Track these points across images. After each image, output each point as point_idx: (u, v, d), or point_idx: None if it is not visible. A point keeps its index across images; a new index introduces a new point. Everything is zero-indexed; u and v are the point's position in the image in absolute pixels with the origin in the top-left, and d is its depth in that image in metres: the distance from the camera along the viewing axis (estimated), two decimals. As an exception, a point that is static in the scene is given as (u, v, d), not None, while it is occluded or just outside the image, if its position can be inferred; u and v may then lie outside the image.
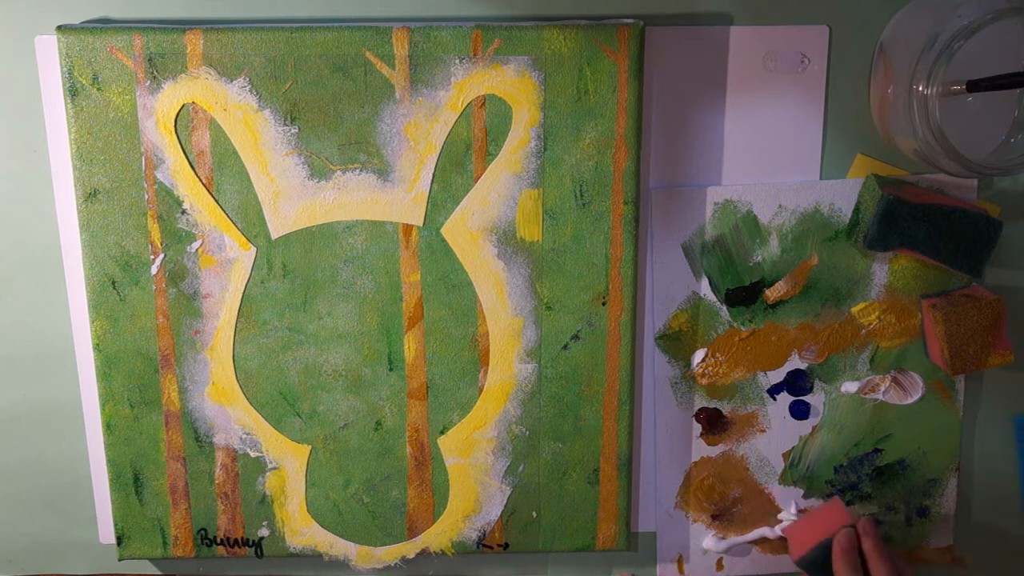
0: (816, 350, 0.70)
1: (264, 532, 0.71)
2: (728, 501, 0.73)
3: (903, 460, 0.72)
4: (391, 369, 0.68)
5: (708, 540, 0.74)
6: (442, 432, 0.70)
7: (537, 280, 0.67)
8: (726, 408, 0.72)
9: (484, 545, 0.72)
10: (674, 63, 0.66)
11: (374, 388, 0.69)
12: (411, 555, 0.72)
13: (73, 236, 0.67)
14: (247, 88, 0.63)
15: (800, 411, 0.72)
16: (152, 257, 0.66)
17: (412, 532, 0.72)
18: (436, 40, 0.63)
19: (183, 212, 0.65)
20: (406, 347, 0.68)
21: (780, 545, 0.74)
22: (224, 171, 0.65)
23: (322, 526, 0.71)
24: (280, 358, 0.68)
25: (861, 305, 0.70)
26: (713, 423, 0.72)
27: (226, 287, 0.67)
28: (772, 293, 0.69)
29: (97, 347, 0.67)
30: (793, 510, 0.73)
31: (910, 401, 0.71)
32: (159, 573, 0.74)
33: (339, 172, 0.65)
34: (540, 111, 0.64)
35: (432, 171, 0.65)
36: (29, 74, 0.65)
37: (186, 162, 0.65)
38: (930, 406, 0.72)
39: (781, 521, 0.73)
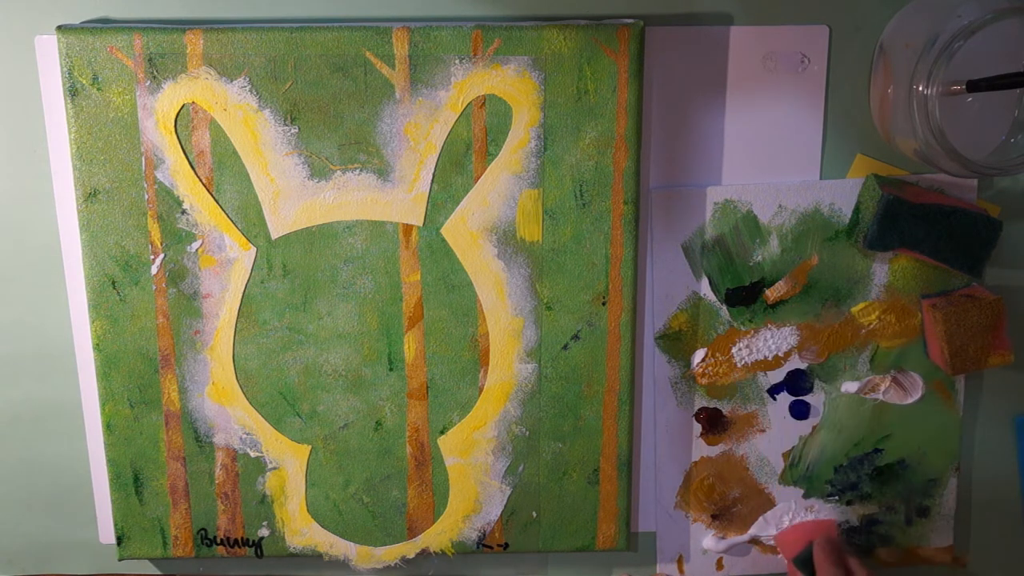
0: (816, 350, 0.70)
1: (264, 532, 0.71)
2: (728, 501, 0.73)
3: (903, 460, 0.72)
4: (391, 369, 0.69)
5: (708, 540, 0.74)
6: (442, 432, 0.70)
7: (537, 280, 0.67)
8: (726, 408, 0.72)
9: (484, 545, 0.72)
10: (674, 63, 0.66)
11: (374, 388, 0.69)
12: (411, 555, 0.72)
13: (73, 236, 0.67)
14: (247, 88, 0.63)
15: (800, 411, 0.72)
16: (152, 257, 0.66)
17: (412, 532, 0.72)
18: (436, 40, 0.63)
19: (183, 212, 0.65)
20: (406, 347, 0.68)
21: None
22: (224, 171, 0.65)
23: (322, 526, 0.71)
24: (280, 358, 0.68)
25: (861, 305, 0.70)
26: (713, 423, 0.72)
27: (226, 287, 0.67)
28: (772, 293, 0.69)
29: (97, 347, 0.67)
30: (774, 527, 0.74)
31: (910, 401, 0.71)
32: (159, 573, 0.74)
33: (339, 172, 0.65)
34: (540, 111, 0.64)
35: (432, 171, 0.65)
36: (29, 74, 0.65)
37: (186, 162, 0.65)
38: (930, 406, 0.72)
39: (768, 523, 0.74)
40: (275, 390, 0.69)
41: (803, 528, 0.73)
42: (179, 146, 0.64)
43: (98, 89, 0.63)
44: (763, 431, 0.72)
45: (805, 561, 0.70)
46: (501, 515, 0.71)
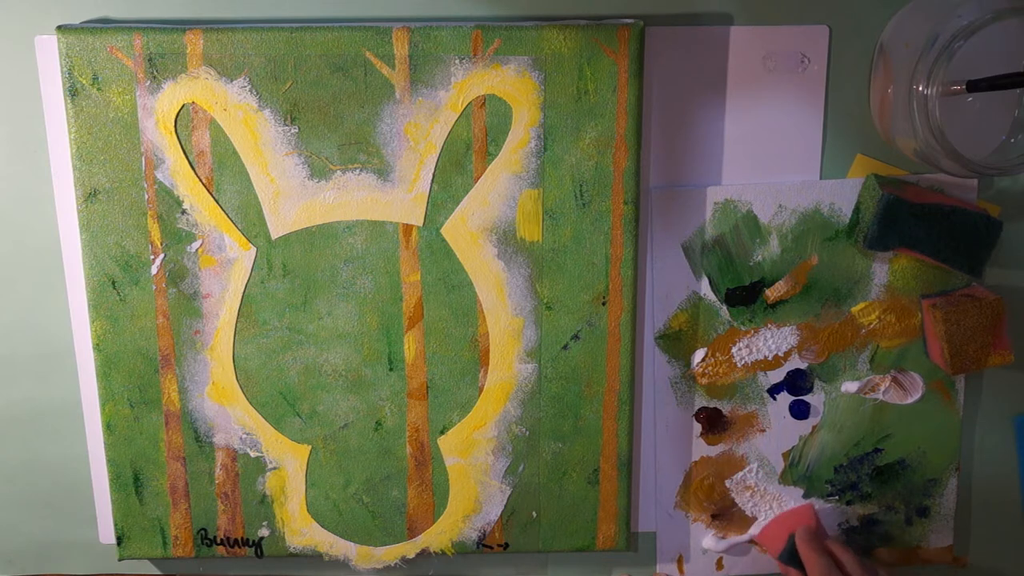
0: (816, 350, 0.70)
1: (264, 532, 0.71)
2: (728, 501, 0.73)
3: (903, 460, 0.73)
4: (391, 369, 0.69)
5: (708, 540, 0.74)
6: (442, 432, 0.70)
7: (537, 280, 0.67)
8: (726, 408, 0.72)
9: (484, 545, 0.72)
10: (674, 63, 0.66)
11: (374, 388, 0.69)
12: (411, 555, 0.72)
13: (73, 236, 0.67)
14: (247, 88, 0.63)
15: (800, 411, 0.72)
16: (152, 257, 0.66)
17: (412, 532, 0.72)
18: (436, 40, 0.63)
19: (183, 212, 0.65)
20: (406, 347, 0.68)
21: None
22: (224, 171, 0.65)
23: (322, 526, 0.71)
24: (280, 358, 0.68)
25: (861, 305, 0.70)
26: (713, 423, 0.72)
27: (226, 287, 0.67)
28: (772, 293, 0.69)
29: (97, 347, 0.67)
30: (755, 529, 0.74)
31: (910, 401, 0.71)
32: (159, 573, 0.74)
33: (339, 172, 0.65)
34: (540, 111, 0.64)
35: (432, 171, 0.65)
36: (29, 74, 0.65)
37: (186, 162, 0.65)
38: (930, 406, 0.72)
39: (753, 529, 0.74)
40: (275, 390, 0.69)
41: (781, 521, 0.72)
42: (179, 146, 0.64)
43: (98, 89, 0.63)
44: (763, 431, 0.72)
45: (791, 554, 0.70)
46: (501, 515, 0.71)
